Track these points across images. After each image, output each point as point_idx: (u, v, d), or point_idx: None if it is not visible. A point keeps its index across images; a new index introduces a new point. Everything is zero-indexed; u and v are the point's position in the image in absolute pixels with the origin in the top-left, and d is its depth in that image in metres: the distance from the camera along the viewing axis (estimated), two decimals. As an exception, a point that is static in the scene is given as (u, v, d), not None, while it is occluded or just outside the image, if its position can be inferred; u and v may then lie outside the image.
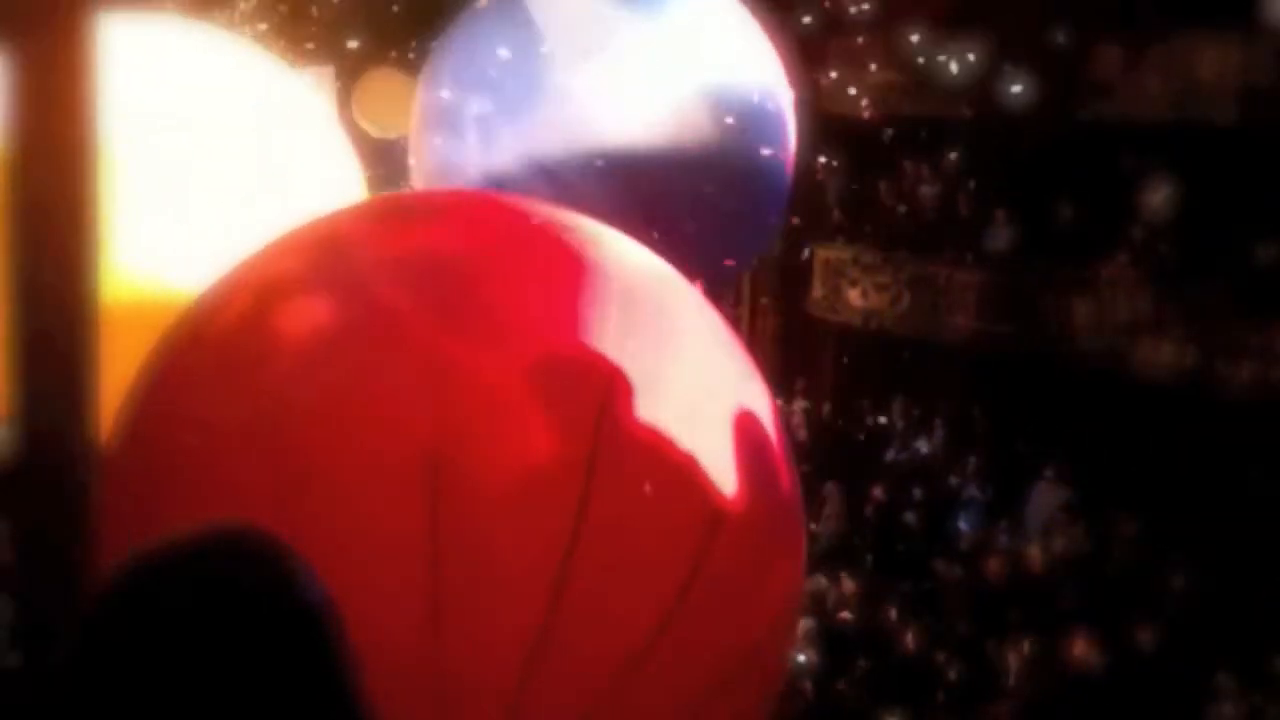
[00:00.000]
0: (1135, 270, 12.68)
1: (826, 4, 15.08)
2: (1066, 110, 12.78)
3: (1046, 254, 13.51)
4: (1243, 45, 11.64)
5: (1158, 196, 12.52)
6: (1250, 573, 9.49)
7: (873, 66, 15.32)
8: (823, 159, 16.69)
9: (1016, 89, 12.97)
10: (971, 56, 13.44)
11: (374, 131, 12.80)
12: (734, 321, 17.35)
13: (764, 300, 17.39)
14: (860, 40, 14.87)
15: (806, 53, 15.69)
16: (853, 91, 15.65)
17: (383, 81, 13.66)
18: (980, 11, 13.06)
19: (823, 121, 16.46)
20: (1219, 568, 9.51)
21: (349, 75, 14.30)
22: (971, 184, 14.88)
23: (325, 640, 1.37)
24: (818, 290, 16.46)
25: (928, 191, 15.49)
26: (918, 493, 12.32)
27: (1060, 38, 12.72)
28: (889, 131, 15.68)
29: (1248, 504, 10.32)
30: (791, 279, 16.83)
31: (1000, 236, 14.18)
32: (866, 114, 15.67)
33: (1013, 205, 14.11)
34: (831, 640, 8.67)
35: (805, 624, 8.58)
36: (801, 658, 8.24)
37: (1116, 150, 12.88)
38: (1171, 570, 9.57)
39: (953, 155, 15.04)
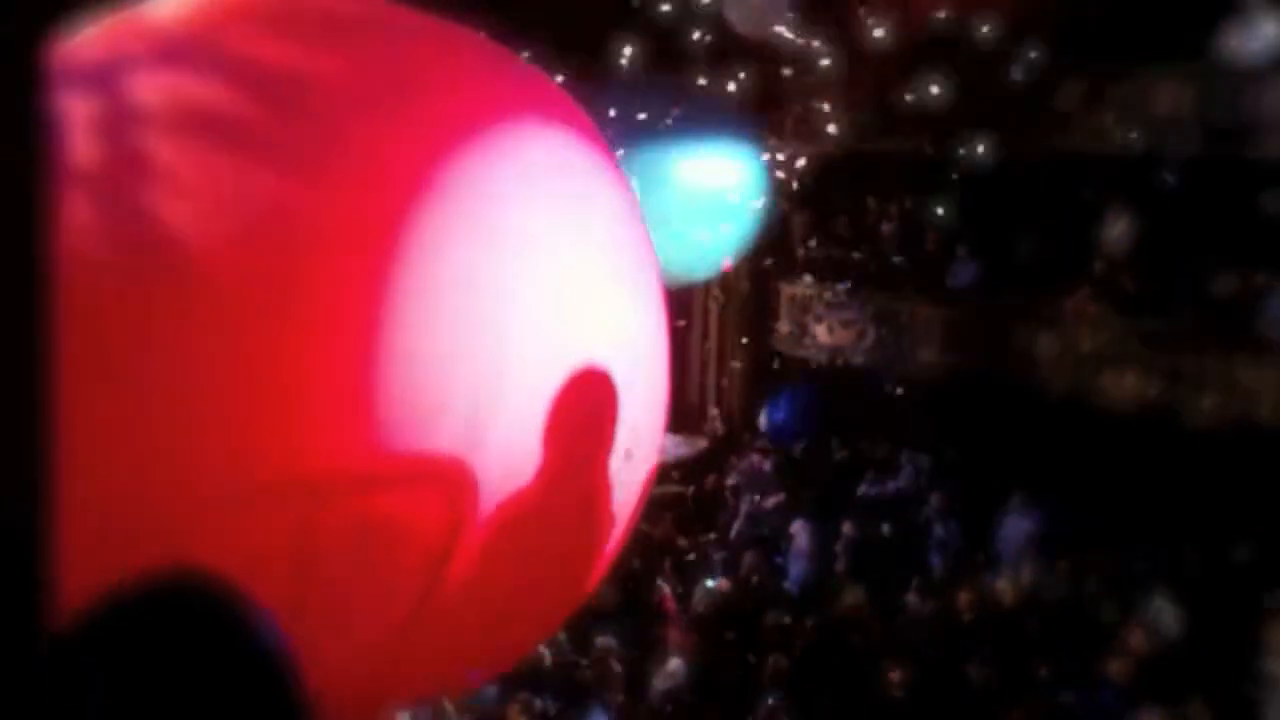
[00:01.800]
0: (1098, 302, 12.79)
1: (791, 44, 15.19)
2: (1028, 145, 12.89)
3: (1010, 288, 13.63)
4: (1199, 80, 11.81)
5: (1119, 229, 12.66)
6: (1217, 600, 9.53)
7: (836, 104, 15.43)
8: (787, 196, 16.80)
9: (978, 126, 13.07)
10: (933, 93, 13.55)
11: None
12: (702, 358, 17.50)
13: (732, 336, 17.43)
14: (823, 79, 14.96)
15: (771, 92, 15.85)
16: (816, 130, 15.75)
17: None
18: (942, 49, 13.18)
19: (786, 159, 16.61)
20: (1186, 596, 9.55)
21: None
22: (935, 219, 14.99)
23: (281, 685, 1.36)
24: (784, 326, 16.51)
25: (891, 228, 15.60)
26: (887, 527, 12.34)
27: (1021, 74, 12.85)
28: (853, 168, 15.77)
29: (1213, 532, 10.39)
30: (759, 315, 16.90)
31: (964, 271, 14.30)
32: (830, 151, 15.78)
33: (976, 240, 14.24)
34: (802, 677, 8.63)
35: (776, 662, 8.57)
36: (770, 699, 8.21)
37: (1078, 184, 13.02)
38: (1140, 599, 9.60)
39: (916, 191, 15.14)
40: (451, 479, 3.05)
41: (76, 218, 2.61)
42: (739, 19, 11.83)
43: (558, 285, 3.28)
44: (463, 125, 3.18)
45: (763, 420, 15.61)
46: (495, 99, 3.40)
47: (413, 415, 2.97)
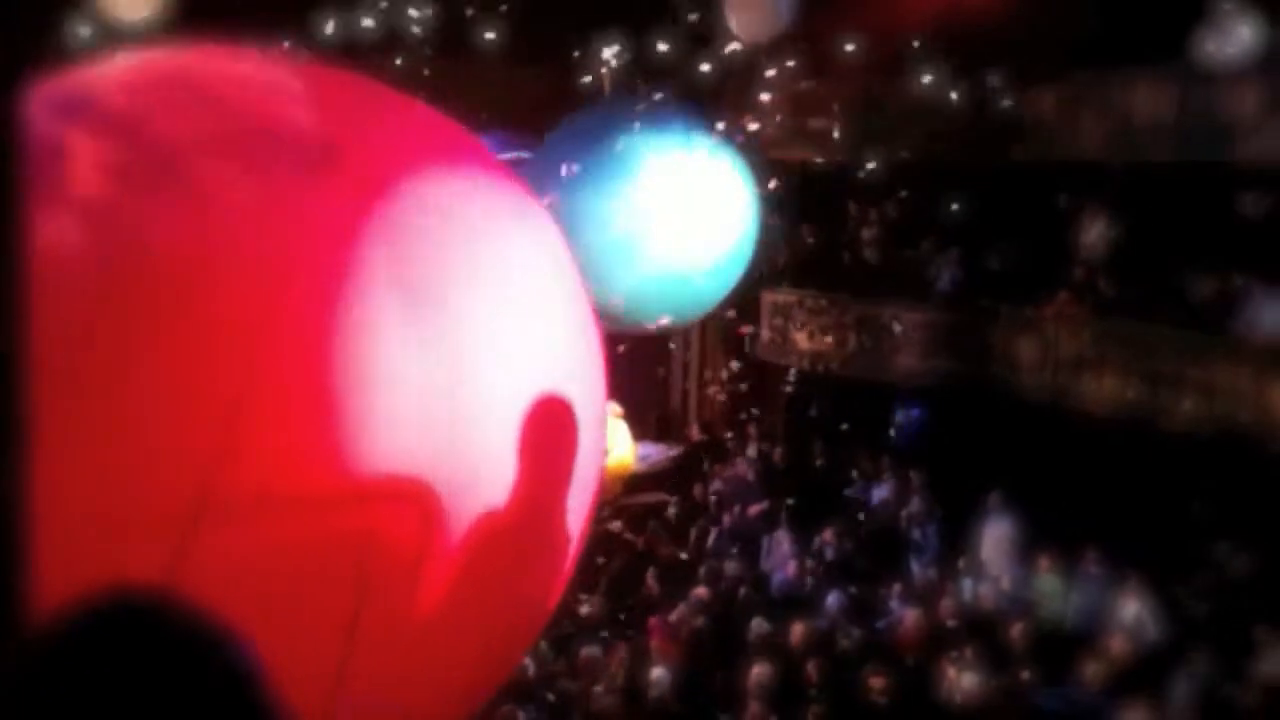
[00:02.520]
0: (1077, 306, 12.85)
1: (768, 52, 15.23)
2: (1006, 151, 12.94)
3: (990, 293, 13.68)
4: (1176, 85, 11.87)
5: (1096, 233, 12.72)
6: (1196, 604, 9.57)
7: (816, 112, 15.49)
8: (767, 204, 16.83)
9: (956, 130, 13.12)
10: (913, 100, 13.62)
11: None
12: (684, 366, 17.50)
13: (713, 344, 17.44)
14: (803, 86, 15.01)
15: (750, 99, 15.87)
16: (796, 137, 15.79)
17: None
18: (921, 56, 13.23)
19: (767, 167, 16.64)
20: (1165, 600, 9.59)
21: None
22: (915, 226, 15.05)
23: (251, 704, 1.35)
24: (765, 333, 16.53)
25: (872, 234, 15.64)
26: (869, 533, 12.37)
27: (998, 80, 12.92)
28: (832, 176, 15.81)
29: (1192, 535, 10.43)
30: (739, 322, 16.90)
31: (944, 277, 14.35)
32: (810, 159, 15.83)
33: (956, 246, 14.28)
34: (786, 689, 8.63)
35: (761, 672, 8.56)
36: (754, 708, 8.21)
37: (1056, 190, 13.08)
38: (1121, 602, 9.64)
39: (896, 198, 15.18)
40: (418, 499, 3.12)
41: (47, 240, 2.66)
42: (741, 26, 11.85)
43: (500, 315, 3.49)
44: (382, 180, 3.36)
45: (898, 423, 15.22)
46: (412, 153, 3.61)
47: (375, 436, 3.07)
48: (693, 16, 12.77)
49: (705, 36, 12.84)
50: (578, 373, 3.85)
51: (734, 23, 11.75)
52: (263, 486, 2.94)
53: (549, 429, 3.57)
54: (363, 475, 3.05)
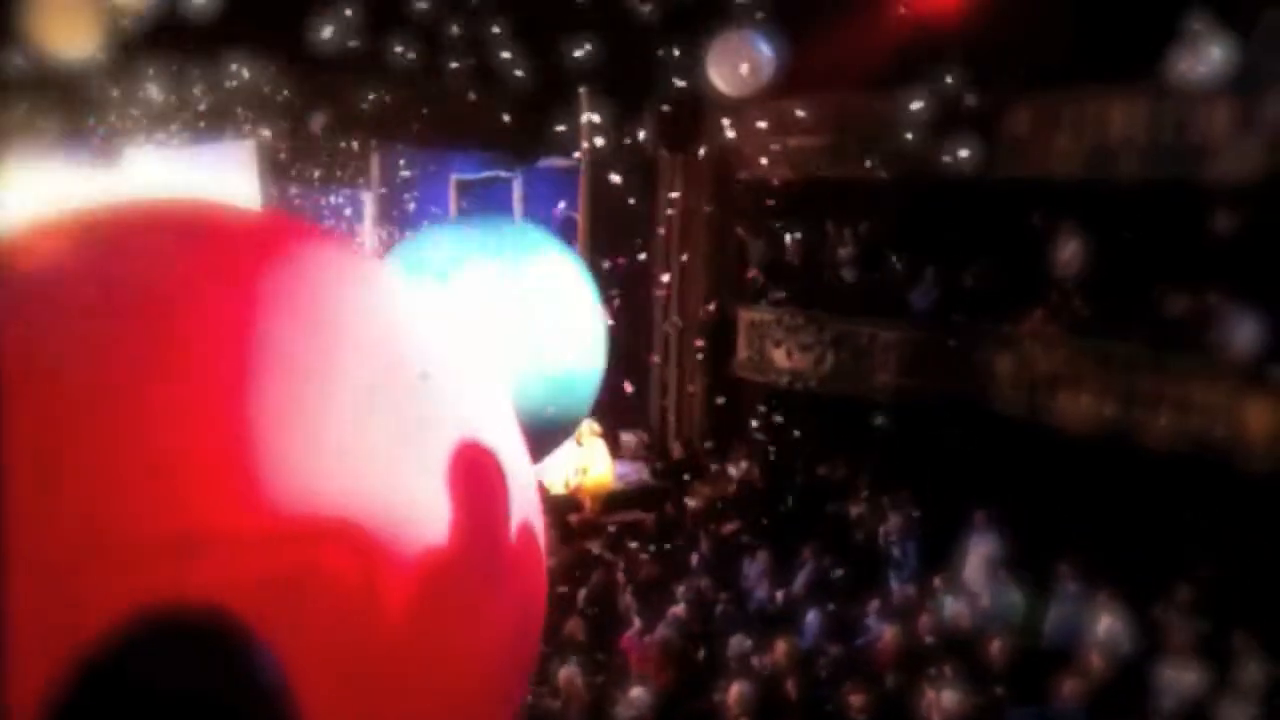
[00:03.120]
0: (1053, 324, 12.91)
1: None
2: (982, 169, 13.01)
3: (966, 311, 13.74)
4: (1150, 103, 11.95)
5: (1071, 251, 12.79)
6: (1174, 619, 9.60)
7: (793, 130, 15.56)
8: (744, 222, 16.90)
9: (933, 150, 13.18)
10: (890, 118, 13.70)
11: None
12: (662, 384, 17.53)
13: (691, 363, 17.46)
14: (780, 104, 15.08)
15: (727, 116, 15.94)
16: (772, 155, 15.87)
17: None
18: (898, 74, 13.30)
19: (743, 185, 16.71)
20: (1142, 617, 9.62)
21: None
22: (891, 244, 15.12)
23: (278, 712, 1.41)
24: (743, 351, 16.57)
25: (848, 252, 15.71)
26: (848, 551, 12.38)
27: (975, 99, 12.99)
28: (808, 194, 15.88)
29: (1169, 552, 10.47)
30: (717, 341, 16.95)
31: (921, 295, 14.41)
32: (787, 176, 15.90)
33: (932, 264, 14.35)
34: (765, 707, 8.61)
35: (742, 690, 8.55)
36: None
37: (1031, 208, 13.15)
38: (1100, 619, 9.66)
39: (872, 216, 15.26)
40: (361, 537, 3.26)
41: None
42: (722, 79, 11.94)
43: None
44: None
45: None
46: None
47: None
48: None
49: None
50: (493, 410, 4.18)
51: (717, 80, 11.84)
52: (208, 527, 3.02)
53: (478, 462, 3.78)
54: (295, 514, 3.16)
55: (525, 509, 4.01)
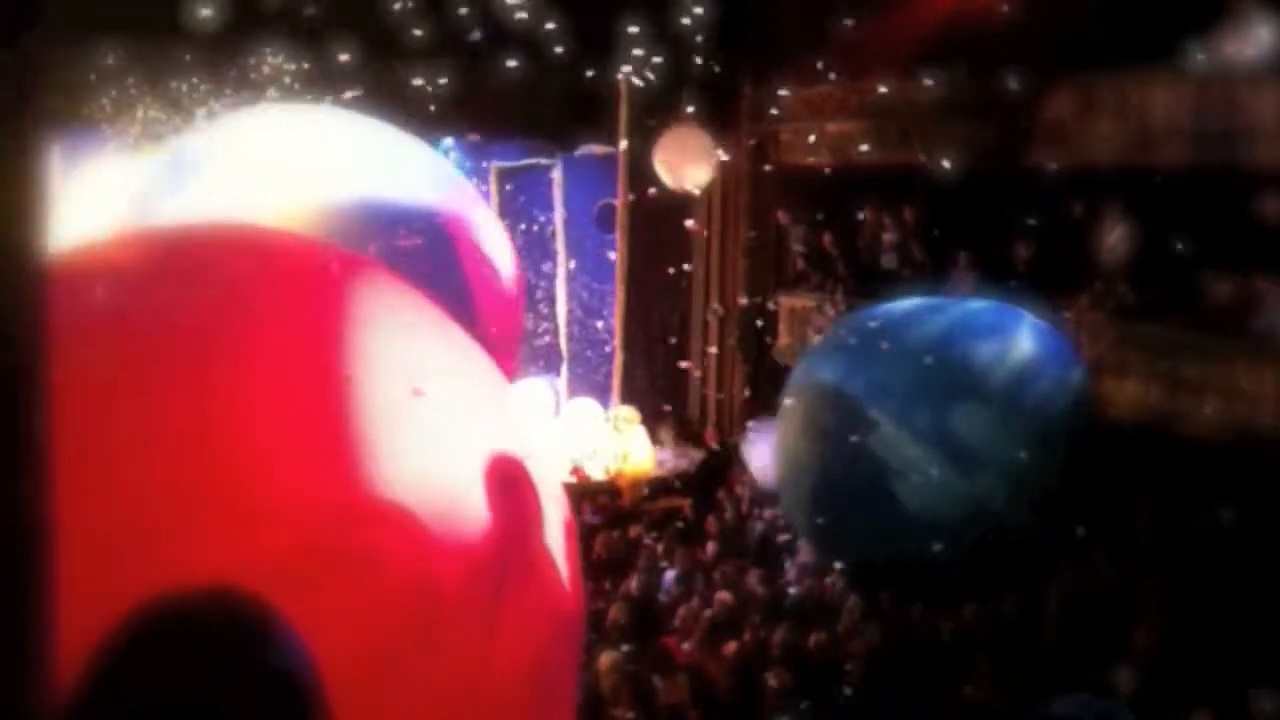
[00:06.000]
0: (1097, 310, 12.82)
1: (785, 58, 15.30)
2: (1023, 155, 12.92)
3: (1009, 297, 13.64)
4: (1194, 86, 11.83)
5: (1116, 237, 12.68)
6: (1216, 610, 9.53)
7: (832, 117, 15.52)
8: (784, 209, 16.86)
9: (973, 135, 13.12)
10: (929, 105, 13.63)
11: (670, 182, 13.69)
12: (705, 369, 17.54)
13: (731, 349, 17.47)
14: (819, 91, 15.05)
15: (767, 105, 15.92)
16: (812, 141, 15.83)
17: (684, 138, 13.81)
18: (935, 59, 13.23)
19: (783, 172, 16.67)
20: (1185, 605, 9.55)
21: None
22: (932, 231, 15.05)
23: (303, 695, 1.43)
24: (784, 338, 16.55)
25: (889, 239, 15.63)
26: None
27: (1014, 83, 12.90)
28: (849, 181, 15.83)
29: (1213, 540, 10.38)
30: (758, 328, 16.95)
31: (963, 281, 14.31)
32: (827, 164, 15.85)
33: (973, 251, 14.26)
34: (806, 691, 8.63)
35: (780, 676, 8.56)
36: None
37: (1073, 194, 13.05)
38: (1140, 608, 9.61)
39: (913, 203, 15.18)
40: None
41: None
42: (671, 179, 12.35)
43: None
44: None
45: None
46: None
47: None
48: None
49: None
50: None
51: (665, 177, 12.14)
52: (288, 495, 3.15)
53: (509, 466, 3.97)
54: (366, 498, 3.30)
55: (555, 515, 4.17)
